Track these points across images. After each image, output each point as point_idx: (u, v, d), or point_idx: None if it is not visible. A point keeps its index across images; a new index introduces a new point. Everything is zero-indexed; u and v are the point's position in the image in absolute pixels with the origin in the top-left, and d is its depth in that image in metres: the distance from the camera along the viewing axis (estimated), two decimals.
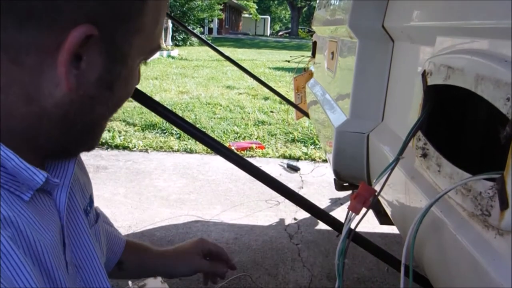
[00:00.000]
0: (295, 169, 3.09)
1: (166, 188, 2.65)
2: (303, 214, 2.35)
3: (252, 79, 2.55)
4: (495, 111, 0.44)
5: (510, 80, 0.41)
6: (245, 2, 33.71)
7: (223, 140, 3.71)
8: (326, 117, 1.24)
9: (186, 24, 14.53)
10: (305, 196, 0.95)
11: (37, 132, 0.44)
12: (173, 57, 10.73)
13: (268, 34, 43.73)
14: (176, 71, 7.99)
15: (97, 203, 0.67)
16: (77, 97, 0.43)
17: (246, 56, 13.18)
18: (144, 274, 0.86)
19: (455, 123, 0.66)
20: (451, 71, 0.55)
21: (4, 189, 0.41)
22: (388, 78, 0.97)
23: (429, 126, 0.63)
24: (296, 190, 1.74)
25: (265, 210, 2.43)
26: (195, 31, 8.81)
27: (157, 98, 5.04)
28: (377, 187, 0.64)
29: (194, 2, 16.96)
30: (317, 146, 3.58)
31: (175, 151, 3.37)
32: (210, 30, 28.76)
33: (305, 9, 39.09)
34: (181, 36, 15.51)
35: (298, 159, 3.34)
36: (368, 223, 2.08)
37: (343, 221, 0.93)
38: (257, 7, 36.56)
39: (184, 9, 16.61)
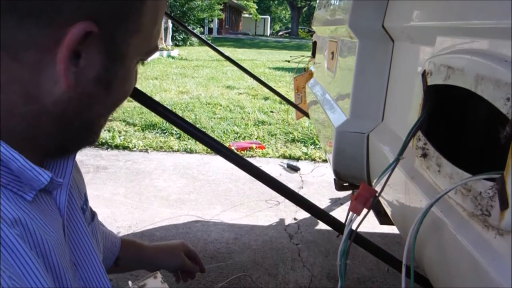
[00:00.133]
0: (295, 169, 3.09)
1: (166, 188, 2.65)
2: (303, 214, 2.35)
3: (252, 79, 2.55)
4: (495, 111, 0.44)
5: (510, 80, 0.41)
6: (245, 2, 33.71)
7: (223, 140, 3.71)
8: (326, 117, 1.24)
9: (186, 24, 14.53)
10: (305, 196, 0.95)
11: (36, 131, 0.44)
12: (173, 57, 10.73)
13: (268, 34, 43.74)
14: (176, 71, 7.99)
15: (97, 203, 0.68)
16: (75, 95, 0.43)
17: (246, 56, 13.18)
18: (136, 268, 0.92)
19: (455, 123, 0.66)
20: (451, 71, 0.55)
21: (8, 190, 0.41)
22: (388, 78, 0.97)
23: (429, 126, 0.63)
24: (296, 190, 1.74)
25: (265, 210, 2.43)
26: (195, 31, 8.81)
27: (157, 98, 5.04)
28: (377, 188, 0.64)
29: (194, 2, 16.97)
30: (317, 146, 3.58)
31: (175, 151, 3.38)
32: (210, 30, 28.76)
33: (305, 9, 39.10)
34: (181, 36, 15.51)
35: (298, 159, 3.34)
36: (368, 223, 2.08)
37: (343, 221, 0.93)
38: (257, 7, 36.56)
39: (184, 9, 16.62)
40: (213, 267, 1.84)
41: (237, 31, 40.67)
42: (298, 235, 2.17)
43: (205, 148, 3.04)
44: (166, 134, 3.75)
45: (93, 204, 0.67)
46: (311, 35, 2.52)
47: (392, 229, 2.08)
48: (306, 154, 3.41)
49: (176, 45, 14.40)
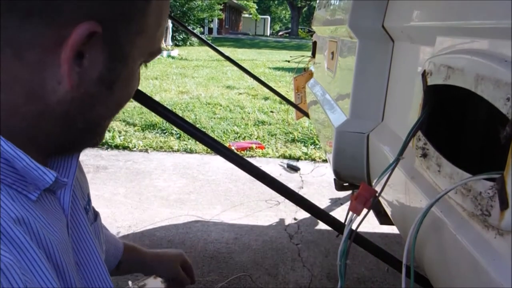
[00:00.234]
0: (295, 169, 3.09)
1: (166, 188, 2.65)
2: (303, 214, 2.35)
3: (252, 79, 2.55)
4: (495, 111, 0.44)
5: (510, 80, 0.41)
6: (245, 2, 33.72)
7: (223, 140, 3.71)
8: (326, 117, 1.24)
9: (186, 24, 14.53)
10: (305, 196, 0.95)
11: (38, 130, 0.44)
12: (173, 57, 10.73)
13: (268, 34, 43.73)
14: (176, 71, 7.99)
15: (97, 203, 0.68)
16: (78, 95, 0.43)
17: (246, 56, 13.18)
18: (134, 271, 0.94)
19: (455, 123, 0.66)
20: (451, 71, 0.55)
21: (12, 189, 0.41)
22: (388, 78, 0.97)
23: (429, 126, 0.63)
24: (296, 190, 1.74)
25: (265, 210, 2.43)
26: (195, 31, 8.81)
27: (157, 98, 5.04)
28: (377, 188, 0.64)
29: (194, 2, 16.97)
30: (317, 146, 3.58)
31: (175, 151, 3.38)
32: (210, 30, 28.76)
33: (305, 9, 39.10)
34: (181, 36, 15.51)
35: (298, 159, 3.34)
36: (368, 223, 2.08)
37: (343, 221, 0.93)
38: (257, 7, 36.56)
39: (184, 9, 16.62)
40: (213, 267, 1.84)
41: (237, 31, 40.67)
42: (298, 235, 2.17)
43: (205, 148, 3.04)
44: (166, 134, 3.75)
45: (93, 204, 0.67)
46: (311, 35, 2.52)
47: (392, 229, 2.08)
48: (306, 154, 3.41)
49: (176, 45, 14.40)
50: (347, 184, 1.45)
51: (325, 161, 3.26)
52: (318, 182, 2.90)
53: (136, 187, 2.63)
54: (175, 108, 4.77)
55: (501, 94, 0.43)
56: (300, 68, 2.63)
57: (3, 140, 0.40)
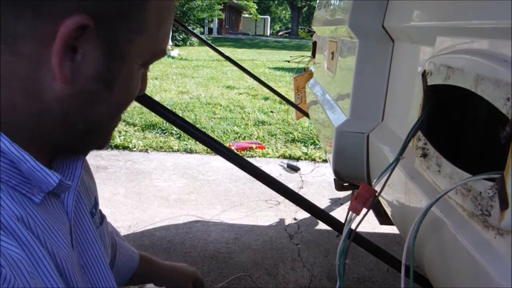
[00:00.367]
0: (295, 169, 3.09)
1: (166, 188, 2.65)
2: (303, 214, 2.35)
3: (252, 79, 2.55)
4: (495, 111, 0.44)
5: (510, 80, 0.41)
6: (245, 2, 33.71)
7: (223, 140, 3.71)
8: (326, 117, 1.24)
9: (186, 24, 14.53)
10: (305, 196, 0.95)
11: (39, 130, 0.43)
12: (173, 57, 10.73)
13: (268, 34, 43.73)
14: (176, 71, 7.99)
15: None
16: (76, 92, 0.42)
17: (246, 56, 13.18)
18: (146, 282, 0.94)
19: (455, 123, 0.66)
20: (451, 71, 0.55)
21: (17, 191, 0.41)
22: (388, 78, 0.97)
23: (429, 126, 0.63)
24: (296, 190, 1.74)
25: (265, 210, 2.43)
26: (195, 31, 8.80)
27: (157, 98, 5.04)
28: (377, 188, 0.64)
29: (194, 2, 16.97)
30: (317, 146, 3.58)
31: (175, 151, 3.38)
32: (210, 30, 28.75)
33: (305, 9, 39.10)
34: (181, 36, 15.51)
35: (298, 159, 3.34)
36: (368, 223, 2.08)
37: (343, 221, 0.93)
38: (257, 7, 36.56)
39: (184, 9, 16.62)
40: (213, 267, 1.84)
41: (237, 31, 40.67)
42: (298, 235, 2.17)
43: (205, 148, 3.04)
44: (166, 134, 3.75)
45: None
46: (311, 35, 2.52)
47: (392, 229, 2.08)
48: (306, 154, 3.41)
49: (176, 45, 14.40)
50: (347, 184, 1.45)
51: (325, 161, 3.26)
52: (318, 182, 2.90)
53: (136, 187, 2.63)
54: (175, 108, 4.77)
55: (501, 94, 0.43)
56: (300, 68, 2.63)
57: (8, 141, 0.40)
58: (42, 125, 0.43)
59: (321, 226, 2.24)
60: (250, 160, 2.43)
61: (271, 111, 4.89)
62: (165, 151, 3.37)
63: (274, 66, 9.99)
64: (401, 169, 0.70)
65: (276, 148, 3.54)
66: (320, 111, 1.41)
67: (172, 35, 13.65)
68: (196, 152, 3.35)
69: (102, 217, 0.67)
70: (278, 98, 3.42)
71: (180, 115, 1.96)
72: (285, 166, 3.16)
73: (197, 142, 3.16)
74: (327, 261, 1.93)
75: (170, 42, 12.39)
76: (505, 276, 0.40)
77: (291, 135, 3.88)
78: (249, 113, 4.71)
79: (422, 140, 0.62)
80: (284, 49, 18.05)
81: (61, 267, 0.43)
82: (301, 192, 2.67)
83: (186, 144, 3.45)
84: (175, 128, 3.36)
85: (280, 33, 44.28)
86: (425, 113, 0.62)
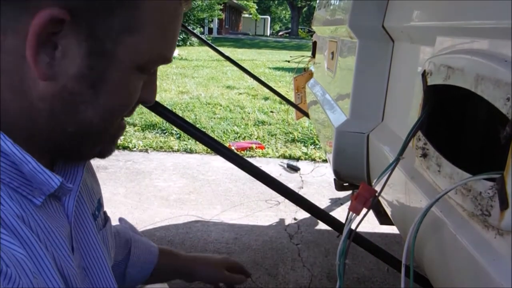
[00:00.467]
0: (295, 169, 3.09)
1: (166, 188, 2.65)
2: (303, 214, 2.35)
3: (252, 79, 2.55)
4: (495, 111, 0.44)
5: (510, 80, 0.41)
6: (245, 2, 33.70)
7: (223, 140, 3.71)
8: (326, 117, 1.24)
9: (186, 24, 14.52)
10: (305, 196, 0.95)
11: (30, 130, 0.43)
12: (173, 57, 10.71)
13: (268, 34, 43.73)
14: (176, 71, 7.99)
15: None
16: (57, 91, 0.41)
17: (246, 56, 13.17)
18: (172, 277, 0.89)
19: (455, 123, 0.66)
20: (451, 71, 0.55)
21: (18, 193, 0.41)
22: (388, 78, 0.97)
23: (429, 126, 0.63)
24: (296, 190, 1.74)
25: (265, 210, 2.43)
26: (195, 31, 8.79)
27: (157, 98, 5.01)
28: (377, 188, 0.64)
29: (194, 2, 16.97)
30: (317, 146, 3.58)
31: (175, 151, 3.37)
32: (210, 30, 28.76)
33: (305, 9, 39.10)
34: (181, 36, 15.52)
35: (298, 159, 3.34)
36: (368, 223, 2.08)
37: (343, 221, 0.93)
38: (257, 7, 36.55)
39: None
40: None
41: (237, 31, 40.67)
42: (298, 235, 2.17)
43: (205, 148, 3.04)
44: (166, 134, 3.75)
45: None
46: (311, 35, 2.52)
47: (392, 229, 2.08)
48: (306, 154, 3.41)
49: (176, 45, 14.36)
50: (347, 184, 1.45)
51: (325, 161, 3.26)
52: (318, 182, 2.90)
53: (136, 187, 2.63)
54: (175, 108, 4.77)
55: (501, 94, 0.43)
56: (300, 68, 2.63)
57: (10, 142, 0.40)
58: (31, 125, 0.42)
59: (321, 226, 2.24)
60: (250, 160, 2.43)
61: (271, 111, 4.89)
62: (165, 151, 3.37)
63: (274, 66, 9.99)
64: (401, 169, 0.70)
65: (276, 148, 3.54)
66: (320, 111, 1.41)
67: None
68: (196, 152, 3.35)
69: (106, 219, 0.67)
70: (278, 98, 3.42)
71: (180, 115, 1.96)
72: (285, 166, 3.16)
73: (197, 142, 3.16)
74: (327, 261, 1.93)
75: None
76: (505, 276, 0.40)
77: (291, 135, 3.88)
78: (249, 113, 4.71)
79: (422, 140, 0.62)
80: (284, 49, 18.04)
81: (60, 269, 0.43)
82: (301, 192, 2.67)
83: (186, 144, 3.45)
84: (175, 128, 3.36)
85: (280, 33, 44.29)
86: (425, 113, 0.62)
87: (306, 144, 3.65)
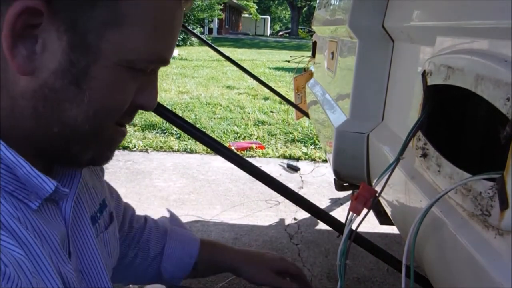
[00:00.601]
0: (295, 169, 3.09)
1: (166, 188, 2.65)
2: (303, 214, 2.35)
3: (252, 79, 2.55)
4: (495, 111, 0.44)
5: (510, 80, 0.41)
6: (245, 2, 33.71)
7: (223, 140, 3.71)
8: (326, 117, 1.24)
9: (186, 24, 14.51)
10: (305, 196, 0.95)
11: (16, 130, 0.42)
12: (173, 57, 10.68)
13: (268, 34, 43.74)
14: (176, 71, 7.99)
15: None
16: (39, 87, 0.40)
17: (246, 56, 13.17)
18: (218, 271, 0.82)
19: (455, 123, 0.66)
20: (451, 71, 0.55)
21: (13, 197, 0.40)
22: (388, 78, 0.97)
23: (429, 126, 0.63)
24: (296, 190, 1.74)
25: (265, 210, 2.43)
26: (195, 31, 8.80)
27: None
28: (377, 188, 0.64)
29: (194, 2, 16.96)
30: (317, 146, 3.58)
31: (175, 151, 3.37)
32: (210, 30, 28.77)
33: (305, 9, 39.10)
34: (181, 36, 15.51)
35: (298, 159, 3.34)
36: (368, 223, 2.07)
37: (343, 221, 0.93)
38: (257, 7, 36.56)
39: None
40: None
41: (237, 31, 40.68)
42: (298, 235, 2.17)
43: (205, 148, 3.04)
44: (166, 134, 3.75)
45: None
46: (311, 35, 2.52)
47: (392, 229, 2.08)
48: (306, 154, 3.41)
49: (176, 45, 14.32)
50: (347, 184, 1.45)
51: (325, 161, 3.26)
52: (318, 182, 2.90)
53: (136, 187, 2.63)
54: (175, 108, 4.77)
55: (501, 94, 0.42)
56: (300, 68, 2.63)
57: (3, 146, 0.39)
58: (17, 124, 0.41)
59: (321, 226, 2.24)
60: (250, 160, 2.43)
61: (271, 111, 4.89)
62: (165, 151, 3.37)
63: (274, 66, 9.99)
64: (401, 169, 0.70)
65: (276, 148, 3.54)
66: (320, 111, 1.41)
67: None
68: (196, 152, 3.35)
69: (111, 219, 0.65)
70: (278, 98, 3.42)
71: (180, 115, 1.96)
72: (285, 166, 3.16)
73: (197, 142, 3.16)
74: (327, 261, 1.93)
75: None
76: (505, 276, 0.40)
77: (291, 135, 3.88)
78: (249, 113, 4.71)
79: (422, 140, 0.62)
80: (284, 49, 18.04)
81: (58, 271, 0.43)
82: (301, 192, 2.67)
83: (186, 144, 3.45)
84: (175, 128, 3.36)
85: (280, 33, 44.30)
86: (425, 113, 0.62)
87: (306, 144, 3.65)
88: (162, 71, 7.86)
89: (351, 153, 1.04)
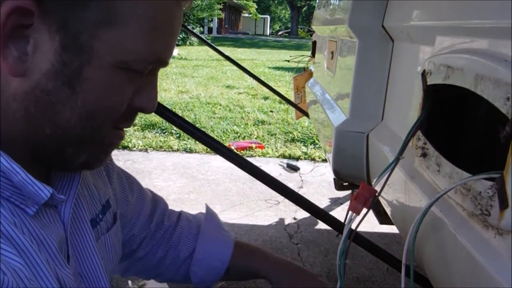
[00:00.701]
0: (294, 169, 3.09)
1: (166, 188, 2.65)
2: (302, 214, 2.35)
3: (251, 78, 2.55)
4: (495, 110, 0.44)
5: (510, 79, 0.41)
6: (245, 1, 33.70)
7: (223, 140, 3.71)
8: (325, 117, 1.24)
9: (186, 24, 14.52)
10: (305, 196, 0.95)
11: (9, 133, 0.41)
12: (172, 57, 10.65)
13: (268, 34, 43.75)
14: (175, 71, 7.98)
15: None
16: (31, 89, 0.39)
17: (246, 55, 13.17)
18: (253, 277, 0.78)
19: (455, 123, 0.66)
20: (450, 70, 0.55)
21: (10, 202, 0.40)
22: (387, 78, 0.97)
23: (428, 126, 0.63)
24: (296, 190, 1.74)
25: (265, 210, 2.43)
26: (194, 30, 8.81)
27: None
28: (377, 187, 0.64)
29: (194, 1, 16.96)
30: (317, 145, 3.58)
31: (175, 150, 3.37)
32: (210, 30, 28.77)
33: (304, 8, 39.09)
34: (181, 36, 15.51)
35: (297, 158, 3.34)
36: (368, 223, 2.07)
37: (342, 220, 0.93)
38: (256, 7, 36.54)
39: None
40: None
41: (237, 31, 40.68)
42: (298, 234, 2.17)
43: (205, 147, 3.04)
44: (166, 133, 3.75)
45: None
46: (311, 35, 2.52)
47: (392, 229, 2.08)
48: (306, 153, 3.41)
49: (176, 45, 14.34)
50: (346, 183, 1.45)
51: (324, 160, 3.26)
52: (317, 181, 2.90)
53: None
54: (174, 108, 4.77)
55: (500, 94, 0.42)
56: (300, 68, 2.63)
57: None
58: (9, 127, 0.41)
59: (321, 225, 2.24)
60: (250, 159, 2.43)
61: (271, 111, 4.89)
62: (164, 150, 3.37)
63: (274, 66, 9.99)
64: (400, 169, 0.70)
65: (276, 148, 3.54)
66: (319, 111, 1.41)
67: None
68: (195, 152, 3.35)
69: (115, 220, 0.63)
70: (277, 98, 3.42)
71: (180, 114, 1.96)
72: (285, 165, 3.16)
73: (197, 142, 3.16)
74: (326, 261, 1.93)
75: None
76: (505, 276, 0.40)
77: (290, 135, 3.88)
78: (248, 113, 4.71)
79: (421, 139, 0.62)
80: (284, 49, 18.04)
81: (56, 276, 0.43)
82: (301, 192, 2.67)
83: (185, 144, 3.45)
84: (175, 128, 3.35)
85: (280, 33, 44.29)
86: (425, 112, 0.62)
87: (306, 144, 3.65)
88: (161, 70, 7.80)
89: (351, 152, 1.04)
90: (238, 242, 0.77)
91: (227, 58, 2.48)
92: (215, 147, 0.91)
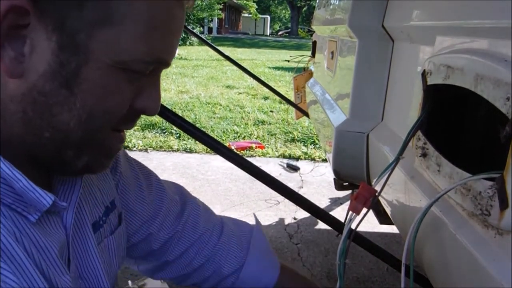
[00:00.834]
0: (295, 169, 3.09)
1: None
2: (302, 214, 2.35)
3: (251, 78, 2.55)
4: (495, 110, 0.44)
5: (510, 79, 0.41)
6: (245, 1, 33.69)
7: (223, 140, 3.71)
8: (325, 117, 1.24)
9: (186, 24, 14.50)
10: (305, 196, 0.95)
11: (7, 136, 0.40)
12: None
13: (268, 34, 43.76)
14: (175, 71, 7.98)
15: None
16: (27, 90, 0.38)
17: (246, 55, 13.17)
18: None
19: (455, 123, 0.66)
20: (450, 70, 0.55)
21: (11, 209, 0.39)
22: (388, 78, 0.97)
23: (428, 126, 0.63)
24: (296, 190, 1.74)
25: (265, 210, 2.43)
26: (194, 30, 8.81)
27: None
28: (377, 187, 0.64)
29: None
30: (317, 145, 3.58)
31: (175, 150, 3.37)
32: (210, 30, 28.78)
33: (305, 8, 39.10)
34: (181, 36, 15.50)
35: (298, 158, 3.34)
36: (368, 223, 2.08)
37: (342, 220, 0.93)
38: (256, 7, 36.53)
39: None
40: None
41: (237, 31, 40.69)
42: (298, 234, 2.17)
43: (205, 147, 3.04)
44: (166, 133, 3.75)
45: None
46: (311, 35, 2.52)
47: (392, 229, 2.08)
48: (306, 153, 3.41)
49: None
50: (347, 183, 1.45)
51: (324, 160, 3.26)
52: (317, 181, 2.90)
53: None
54: (174, 108, 4.77)
55: (500, 94, 0.42)
56: (300, 68, 2.63)
57: None
58: (8, 130, 0.40)
59: (321, 225, 2.24)
60: (250, 159, 2.43)
61: (271, 111, 4.89)
62: (164, 150, 3.37)
63: (274, 66, 9.99)
64: (400, 169, 0.70)
65: (276, 148, 3.54)
66: (320, 111, 1.41)
67: None
68: (195, 152, 3.35)
69: (120, 221, 0.62)
70: (278, 98, 3.42)
71: (180, 114, 1.96)
72: (285, 165, 3.16)
73: (197, 142, 3.16)
74: (326, 261, 1.93)
75: None
76: (505, 276, 0.40)
77: (291, 135, 3.88)
78: (249, 113, 4.71)
79: (421, 139, 0.62)
80: (284, 49, 18.03)
81: (55, 285, 0.43)
82: (301, 192, 2.67)
83: (185, 144, 3.45)
84: (175, 128, 3.35)
85: (280, 33, 44.30)
86: (425, 112, 0.62)
87: (306, 144, 3.65)
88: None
89: (351, 152, 1.04)
90: (283, 266, 0.76)
91: (227, 58, 2.48)
92: (215, 147, 0.91)
